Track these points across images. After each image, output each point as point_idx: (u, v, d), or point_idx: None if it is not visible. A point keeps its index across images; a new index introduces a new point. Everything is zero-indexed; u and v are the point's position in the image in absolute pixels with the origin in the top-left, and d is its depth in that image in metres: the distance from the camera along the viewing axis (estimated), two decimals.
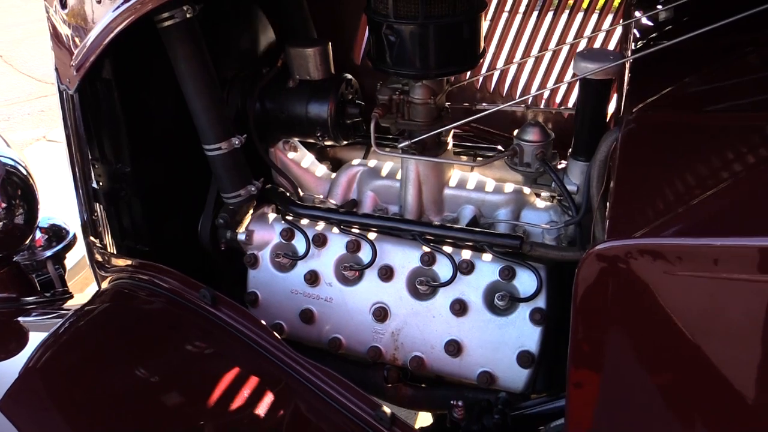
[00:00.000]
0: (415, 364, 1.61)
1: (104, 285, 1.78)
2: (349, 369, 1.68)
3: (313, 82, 1.73)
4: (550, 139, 1.59)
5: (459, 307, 1.56)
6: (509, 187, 1.72)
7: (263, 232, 1.76)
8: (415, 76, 1.56)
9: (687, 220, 0.93)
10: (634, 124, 1.27)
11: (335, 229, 1.72)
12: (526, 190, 1.72)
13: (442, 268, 1.59)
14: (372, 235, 1.67)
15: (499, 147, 1.93)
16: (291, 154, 1.91)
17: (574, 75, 1.48)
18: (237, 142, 1.65)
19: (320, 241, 1.69)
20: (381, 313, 1.63)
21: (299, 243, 1.72)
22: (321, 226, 1.74)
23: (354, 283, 1.67)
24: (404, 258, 1.63)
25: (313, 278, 1.68)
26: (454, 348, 1.57)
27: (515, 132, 1.63)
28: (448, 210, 1.76)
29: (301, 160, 1.93)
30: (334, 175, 1.93)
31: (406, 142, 1.64)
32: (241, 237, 1.74)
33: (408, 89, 1.64)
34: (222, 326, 1.55)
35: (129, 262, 1.71)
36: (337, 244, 1.69)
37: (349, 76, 1.78)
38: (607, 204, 1.15)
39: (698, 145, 1.17)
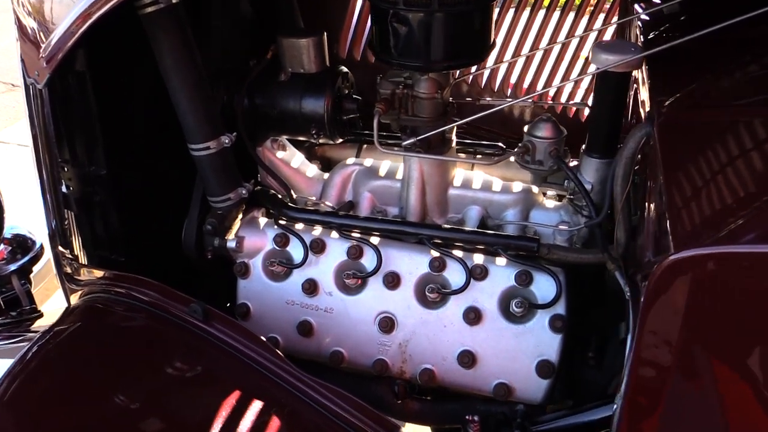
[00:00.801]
0: (426, 378, 1.50)
1: (74, 300, 1.61)
2: (349, 383, 1.56)
3: (307, 76, 1.60)
4: (563, 135, 1.51)
5: (473, 316, 1.46)
6: (518, 187, 1.63)
7: (254, 239, 1.62)
8: (423, 68, 1.45)
9: (756, 225, 0.85)
10: (668, 122, 1.19)
11: (334, 234, 1.59)
12: (535, 189, 1.63)
13: (453, 274, 1.49)
14: (374, 240, 1.56)
15: (500, 144, 1.84)
16: (280, 154, 1.77)
17: (586, 69, 1.40)
18: (227, 141, 1.51)
19: (318, 247, 1.57)
20: (387, 324, 1.51)
21: (295, 249, 1.59)
22: (318, 230, 1.61)
23: (356, 291, 1.55)
24: (411, 264, 1.52)
25: (311, 287, 1.56)
26: (468, 359, 1.47)
27: (525, 128, 1.53)
28: (453, 211, 1.66)
29: (291, 159, 1.80)
30: (326, 175, 1.80)
31: (411, 140, 1.52)
32: (231, 244, 1.60)
33: (412, 83, 1.53)
34: (214, 343, 1.41)
35: (103, 273, 1.56)
36: (337, 250, 1.57)
37: (345, 69, 1.66)
38: (652, 210, 1.07)
39: (742, 143, 1.11)
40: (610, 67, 1.33)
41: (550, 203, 1.64)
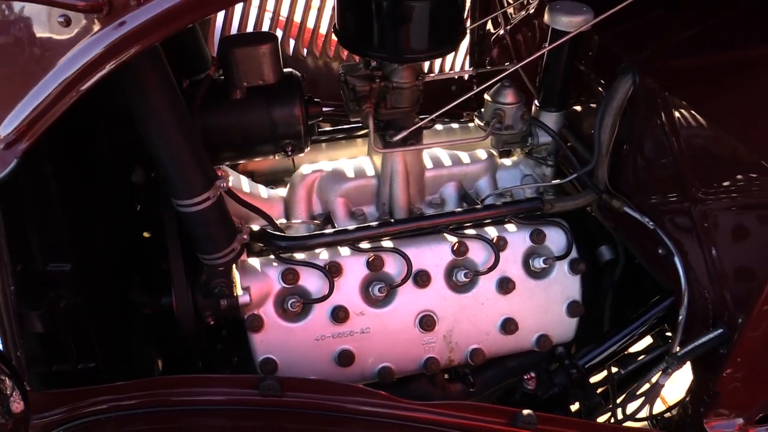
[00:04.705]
0: (476, 357, 1.54)
1: None
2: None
3: (266, 88, 1.40)
4: (524, 98, 1.60)
5: (508, 286, 1.52)
6: (483, 154, 1.69)
7: (259, 285, 1.42)
8: (413, 58, 1.38)
9: None
10: (653, 71, 1.37)
11: (343, 251, 1.48)
12: (494, 152, 1.71)
13: (477, 254, 1.52)
14: (387, 244, 1.49)
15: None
16: (230, 182, 1.53)
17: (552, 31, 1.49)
18: (224, 185, 1.27)
19: (336, 270, 1.44)
20: (429, 322, 1.49)
21: (308, 281, 1.44)
22: (323, 253, 1.47)
23: (388, 302, 1.48)
24: (435, 256, 1.50)
25: (340, 314, 1.44)
26: (510, 326, 1.54)
27: (487, 97, 1.59)
28: (430, 193, 1.65)
29: (241, 186, 1.57)
30: (281, 191, 1.62)
31: (403, 133, 1.47)
32: (244, 299, 1.38)
33: (386, 74, 1.45)
34: (292, 414, 1.24)
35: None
36: (356, 267, 1.46)
37: (294, 71, 1.49)
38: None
39: (722, 81, 1.33)
40: (566, 28, 1.46)
41: (507, 161, 1.74)
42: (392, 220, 1.52)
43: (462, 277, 1.50)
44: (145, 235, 1.69)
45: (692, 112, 1.30)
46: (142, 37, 0.86)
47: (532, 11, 1.87)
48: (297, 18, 2.16)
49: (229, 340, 1.60)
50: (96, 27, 0.85)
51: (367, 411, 1.25)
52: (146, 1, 0.83)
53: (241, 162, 1.65)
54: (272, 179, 1.76)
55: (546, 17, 1.50)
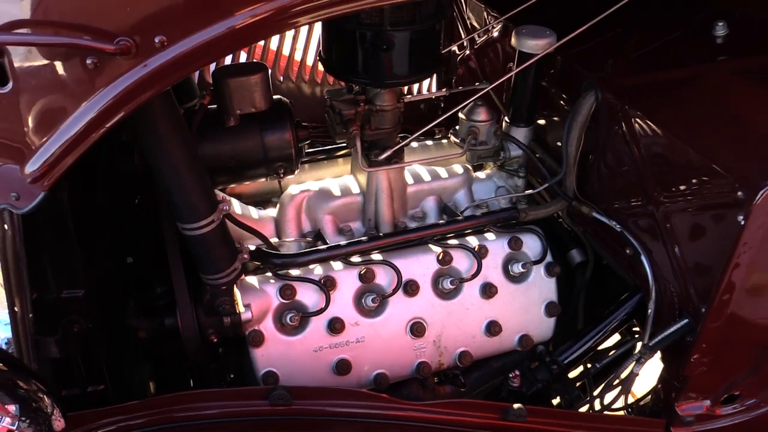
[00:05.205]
0: (464, 359, 1.64)
1: None
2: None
3: (258, 114, 1.48)
4: (496, 115, 1.72)
5: (490, 291, 1.63)
6: (459, 168, 1.80)
7: (259, 302, 1.49)
8: (397, 83, 1.49)
9: None
10: (615, 87, 1.51)
11: (336, 266, 1.56)
12: (469, 166, 1.82)
13: (460, 262, 1.62)
14: (377, 257, 1.58)
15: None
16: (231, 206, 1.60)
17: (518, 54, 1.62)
18: (226, 208, 1.35)
19: (331, 284, 1.52)
20: (419, 328, 1.59)
21: (305, 296, 1.52)
22: (317, 268, 1.55)
23: (380, 311, 1.57)
24: (422, 266, 1.60)
25: (337, 326, 1.52)
26: (494, 328, 1.65)
27: (461, 115, 1.70)
28: (411, 207, 1.75)
29: (233, 208, 1.64)
30: (271, 212, 1.70)
31: (387, 153, 1.57)
32: (246, 316, 1.45)
33: (370, 98, 1.55)
34: (302, 422, 1.32)
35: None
36: (349, 280, 1.55)
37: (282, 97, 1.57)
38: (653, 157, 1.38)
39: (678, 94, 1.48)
40: (534, 51, 1.59)
41: (481, 175, 1.86)
42: (381, 234, 1.61)
43: (448, 284, 1.60)
44: (129, 260, 1.74)
45: (649, 123, 1.44)
46: (164, 77, 0.94)
47: (495, 35, 2.01)
48: (273, 46, 2.25)
49: (224, 358, 1.66)
50: (122, 69, 0.92)
51: (372, 414, 1.34)
52: (170, 44, 0.91)
53: (230, 186, 1.72)
54: (259, 200, 1.83)
55: (513, 41, 1.62)
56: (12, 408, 0.91)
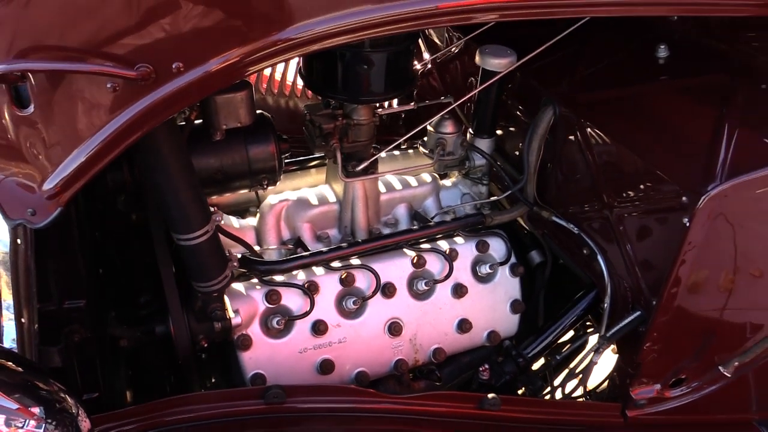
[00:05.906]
0: (438, 356, 1.75)
1: None
2: None
3: (244, 129, 1.55)
4: (461, 127, 1.85)
5: (461, 291, 1.75)
6: (428, 177, 1.91)
7: (246, 307, 1.57)
8: (373, 99, 1.59)
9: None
10: (571, 102, 1.66)
11: (318, 271, 1.65)
12: (436, 175, 1.94)
13: (433, 265, 1.74)
14: (356, 262, 1.68)
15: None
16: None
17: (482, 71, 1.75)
18: (219, 219, 1.42)
19: (314, 288, 1.61)
20: (396, 328, 1.69)
21: (289, 301, 1.60)
22: (300, 274, 1.64)
23: (360, 313, 1.67)
24: (397, 270, 1.71)
25: (320, 328, 1.61)
26: (465, 325, 1.77)
27: (430, 128, 1.82)
28: (384, 214, 1.86)
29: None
30: (251, 221, 1.77)
31: (365, 164, 1.67)
32: (237, 321, 1.52)
33: (347, 112, 1.64)
34: (296, 418, 1.40)
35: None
36: (330, 284, 1.64)
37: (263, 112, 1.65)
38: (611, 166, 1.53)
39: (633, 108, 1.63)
40: (497, 69, 1.72)
41: (447, 183, 1.98)
42: (360, 241, 1.71)
43: (422, 286, 1.71)
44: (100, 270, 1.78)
45: (602, 135, 1.59)
46: (178, 101, 1.02)
47: (455, 51, 2.14)
48: None
49: (206, 362, 1.72)
50: (140, 93, 0.99)
51: (360, 408, 1.43)
52: (186, 70, 0.99)
53: (211, 197, 1.78)
54: (235, 210, 1.90)
55: (477, 59, 1.75)
56: (36, 410, 0.96)
